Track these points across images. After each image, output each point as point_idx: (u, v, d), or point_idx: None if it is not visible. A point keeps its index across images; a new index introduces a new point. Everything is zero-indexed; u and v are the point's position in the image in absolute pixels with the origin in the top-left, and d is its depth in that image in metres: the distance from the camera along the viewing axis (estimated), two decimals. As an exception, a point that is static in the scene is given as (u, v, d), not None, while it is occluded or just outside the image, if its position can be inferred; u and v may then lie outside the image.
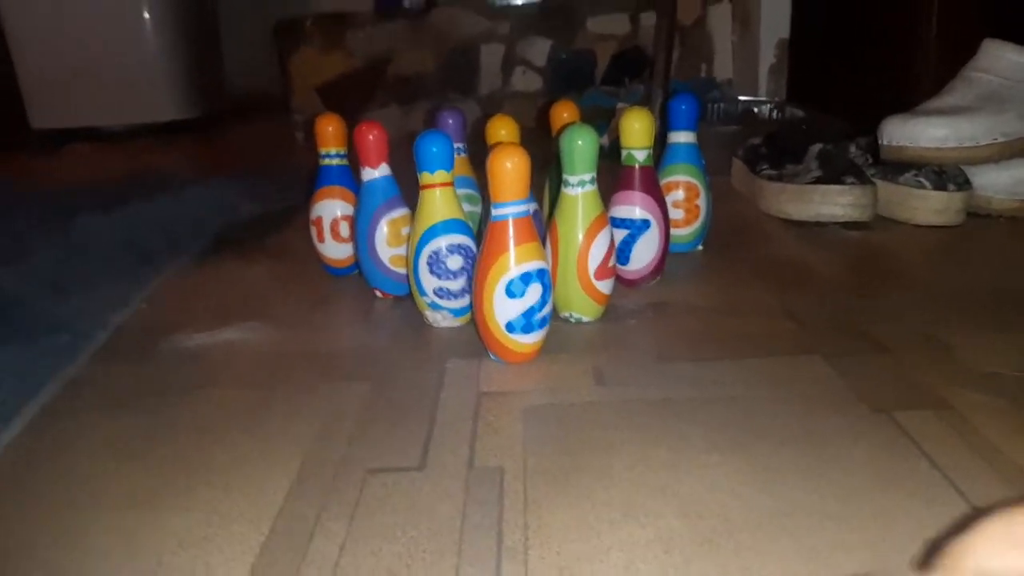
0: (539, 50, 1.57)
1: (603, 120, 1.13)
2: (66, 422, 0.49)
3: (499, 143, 0.55)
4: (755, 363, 0.52)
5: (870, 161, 0.88)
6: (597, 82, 1.52)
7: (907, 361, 0.51)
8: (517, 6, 1.56)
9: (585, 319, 0.60)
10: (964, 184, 0.80)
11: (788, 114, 1.31)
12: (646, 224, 0.65)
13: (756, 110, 1.38)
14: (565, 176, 0.58)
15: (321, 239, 0.73)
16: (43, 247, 0.79)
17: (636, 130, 0.64)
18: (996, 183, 0.83)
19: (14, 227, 0.92)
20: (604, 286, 0.59)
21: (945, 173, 0.81)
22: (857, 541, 0.35)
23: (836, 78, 1.29)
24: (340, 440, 0.45)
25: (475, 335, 0.57)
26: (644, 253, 0.66)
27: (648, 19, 1.54)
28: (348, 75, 1.58)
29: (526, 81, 1.56)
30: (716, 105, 1.37)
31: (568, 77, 1.51)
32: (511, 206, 0.51)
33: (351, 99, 1.55)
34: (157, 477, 0.42)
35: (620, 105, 1.15)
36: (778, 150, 0.92)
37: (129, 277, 0.75)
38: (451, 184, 0.58)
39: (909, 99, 0.91)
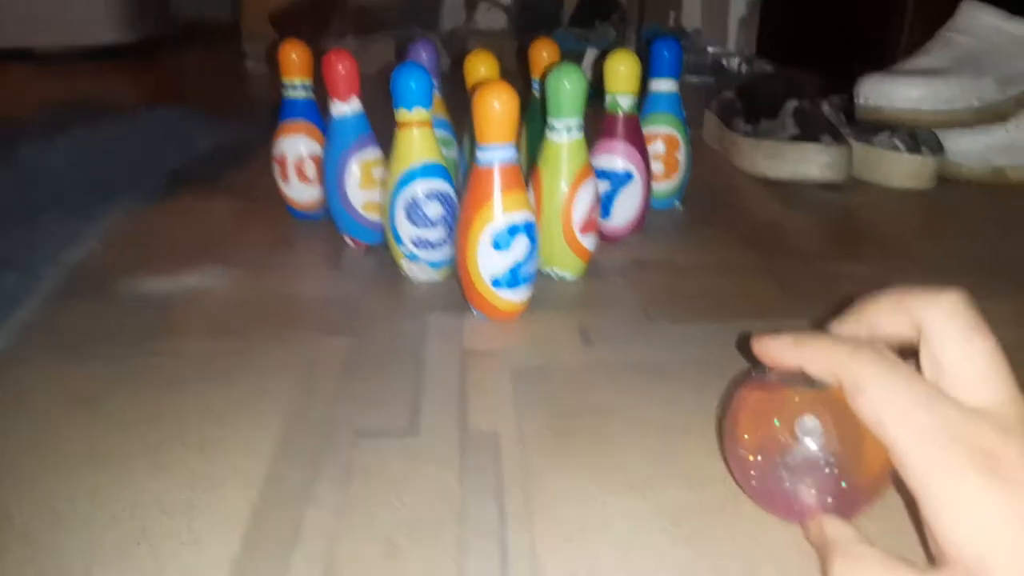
0: (504, -13, 1.51)
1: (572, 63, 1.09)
2: (21, 370, 0.46)
3: (483, 81, 0.52)
4: (744, 325, 0.51)
5: (844, 120, 0.88)
6: (564, 23, 1.48)
7: (891, 327, 0.52)
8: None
9: (568, 275, 0.59)
10: (938, 148, 0.81)
11: (757, 68, 1.29)
12: (628, 176, 0.63)
13: (725, 62, 1.37)
14: (550, 120, 0.55)
15: (285, 179, 0.70)
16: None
17: (621, 74, 0.61)
18: (968, 149, 0.83)
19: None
20: (588, 241, 0.57)
21: (919, 136, 0.81)
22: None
23: (808, 34, 1.28)
24: (323, 398, 0.43)
25: (455, 288, 0.55)
26: (626, 207, 0.64)
27: (617, -40, 1.50)
28: (303, 2, 1.50)
29: (490, 19, 1.51)
30: (686, 56, 1.35)
31: (534, 17, 1.46)
32: (498, 150, 0.48)
33: (306, 28, 1.47)
34: (124, 433, 0.39)
35: (590, 48, 1.12)
36: (753, 105, 0.91)
37: (79, 211, 0.70)
38: (430, 123, 0.55)
39: (884, 58, 0.90)
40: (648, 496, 0.35)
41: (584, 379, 0.45)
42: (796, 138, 0.81)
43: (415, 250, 0.57)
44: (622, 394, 0.44)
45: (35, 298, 0.54)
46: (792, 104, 0.85)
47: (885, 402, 0.27)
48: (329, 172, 0.62)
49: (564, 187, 0.55)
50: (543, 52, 0.70)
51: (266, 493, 0.35)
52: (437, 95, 0.70)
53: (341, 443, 0.39)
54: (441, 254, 0.57)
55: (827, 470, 0.30)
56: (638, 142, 0.64)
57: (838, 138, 0.81)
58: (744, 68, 1.34)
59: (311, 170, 0.69)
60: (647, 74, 0.70)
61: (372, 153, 0.62)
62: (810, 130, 0.82)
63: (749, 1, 1.51)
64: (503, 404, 0.42)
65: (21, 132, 0.83)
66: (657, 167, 0.71)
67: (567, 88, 0.53)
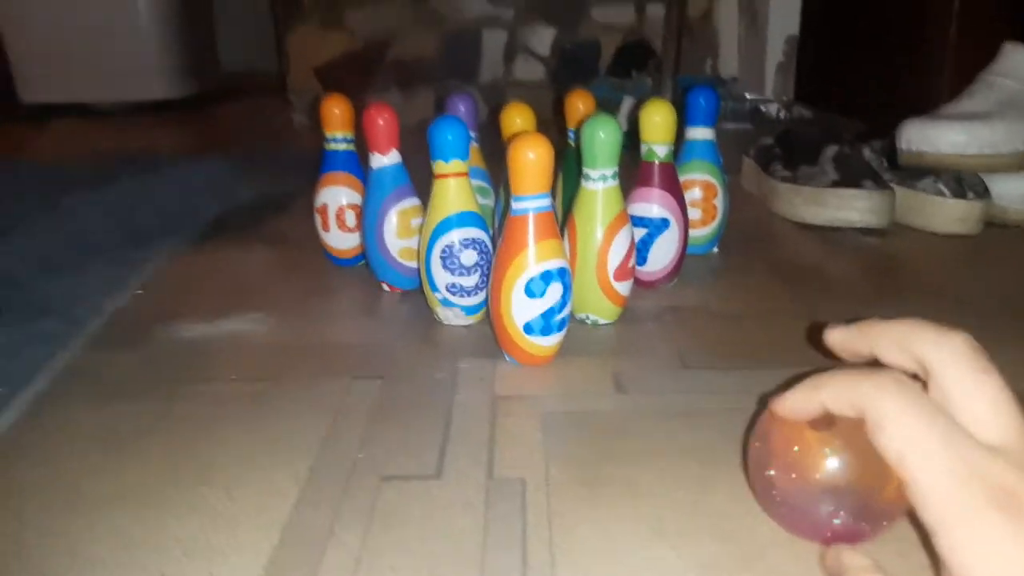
0: (542, 38, 1.54)
1: (609, 113, 1.10)
2: (58, 413, 0.47)
3: (520, 132, 0.52)
4: (784, 373, 0.50)
5: (885, 165, 0.86)
6: (601, 73, 1.49)
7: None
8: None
9: (602, 321, 0.58)
10: (984, 193, 0.79)
11: (795, 114, 1.29)
12: (665, 223, 0.63)
13: (763, 108, 1.36)
14: (585, 170, 0.55)
15: (326, 228, 0.71)
16: (31, 225, 0.76)
17: (657, 124, 0.61)
18: (1014, 192, 0.81)
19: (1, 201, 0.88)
20: (623, 287, 0.57)
21: (964, 180, 0.79)
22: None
23: (847, 79, 1.27)
24: (351, 442, 0.43)
25: (488, 334, 0.55)
26: (662, 254, 0.64)
27: (654, 10, 1.52)
28: (347, 56, 1.55)
29: (528, 70, 1.53)
30: (724, 103, 1.35)
31: (572, 67, 1.48)
32: (532, 200, 0.49)
33: (350, 81, 1.51)
34: (154, 475, 0.40)
35: (627, 98, 1.13)
36: (792, 151, 0.90)
37: (122, 260, 0.72)
38: (466, 175, 0.56)
39: (926, 102, 0.89)
40: (678, 548, 0.34)
41: (616, 426, 0.44)
42: (837, 183, 0.80)
43: (449, 296, 0.57)
44: (655, 442, 0.43)
45: (76, 343, 0.56)
46: (832, 149, 0.84)
47: (905, 439, 0.27)
48: (368, 221, 0.63)
49: (599, 234, 0.55)
50: (579, 103, 0.71)
51: (287, 536, 0.35)
52: (474, 145, 0.71)
53: (365, 487, 0.38)
54: (474, 300, 0.57)
55: (847, 496, 0.31)
56: (674, 189, 0.63)
57: (880, 183, 0.80)
58: (783, 114, 1.34)
59: (351, 219, 0.70)
60: (683, 122, 0.70)
61: (410, 203, 0.63)
62: (851, 175, 0.81)
63: (786, 47, 1.51)
64: (531, 451, 0.42)
65: (68, 182, 0.86)
66: (694, 213, 0.71)
67: (602, 138, 0.54)
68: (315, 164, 0.71)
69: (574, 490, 0.38)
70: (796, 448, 0.32)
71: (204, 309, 0.62)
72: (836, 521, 0.31)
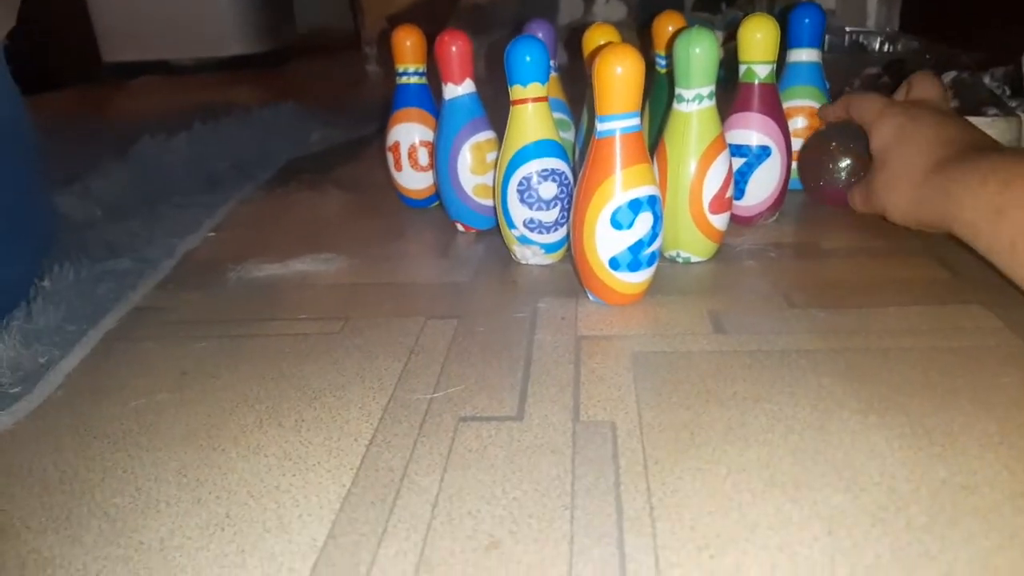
0: (624, -24, 1.46)
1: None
2: (127, 351, 0.45)
3: (607, 44, 0.47)
4: (902, 311, 0.45)
5: (1008, 93, 0.78)
6: (688, 10, 1.41)
7: (1086, 315, 0.43)
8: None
9: (695, 259, 0.53)
10: None
11: (903, 46, 1.18)
12: (765, 151, 0.57)
13: (864, 42, 1.26)
14: (678, 90, 0.50)
15: (398, 167, 0.68)
16: (105, 171, 0.75)
17: (758, 41, 0.55)
18: None
19: (78, 153, 0.89)
20: (719, 221, 0.52)
21: (1104, 104, 0.70)
22: None
23: (962, 7, 1.16)
24: (426, 382, 0.40)
25: (569, 273, 0.51)
26: (762, 185, 0.58)
27: (744, -58, 1.41)
28: (421, 3, 1.51)
29: (609, 9, 1.46)
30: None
31: (655, 5, 1.40)
32: (619, 119, 0.44)
33: (424, 29, 1.48)
34: (222, 414, 0.38)
35: (718, 33, 1.05)
36: (903, 80, 0.82)
37: (195, 204, 0.71)
38: (546, 100, 0.51)
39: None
40: (798, 500, 0.30)
41: (716, 368, 0.40)
42: (956, 111, 0.72)
43: (528, 233, 0.53)
44: (761, 385, 0.38)
45: (147, 283, 0.54)
46: (949, 76, 0.76)
47: (861, 106, 0.56)
48: (441, 156, 0.59)
49: (693, 161, 0.50)
50: (668, 25, 0.65)
51: (360, 478, 0.32)
52: (554, 75, 0.67)
53: (442, 428, 0.35)
54: (554, 237, 0.53)
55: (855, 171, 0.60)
56: (777, 113, 0.57)
57: (1005, 109, 0.71)
58: (887, 47, 1.23)
59: (424, 157, 0.67)
60: (784, 45, 0.64)
61: (485, 136, 0.59)
62: (972, 102, 0.72)
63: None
64: (621, 393, 0.38)
65: (145, 132, 0.86)
66: (798, 144, 0.64)
67: (697, 54, 0.48)
68: (387, 107, 0.68)
69: (672, 435, 0.34)
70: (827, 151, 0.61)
71: (276, 250, 0.60)
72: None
